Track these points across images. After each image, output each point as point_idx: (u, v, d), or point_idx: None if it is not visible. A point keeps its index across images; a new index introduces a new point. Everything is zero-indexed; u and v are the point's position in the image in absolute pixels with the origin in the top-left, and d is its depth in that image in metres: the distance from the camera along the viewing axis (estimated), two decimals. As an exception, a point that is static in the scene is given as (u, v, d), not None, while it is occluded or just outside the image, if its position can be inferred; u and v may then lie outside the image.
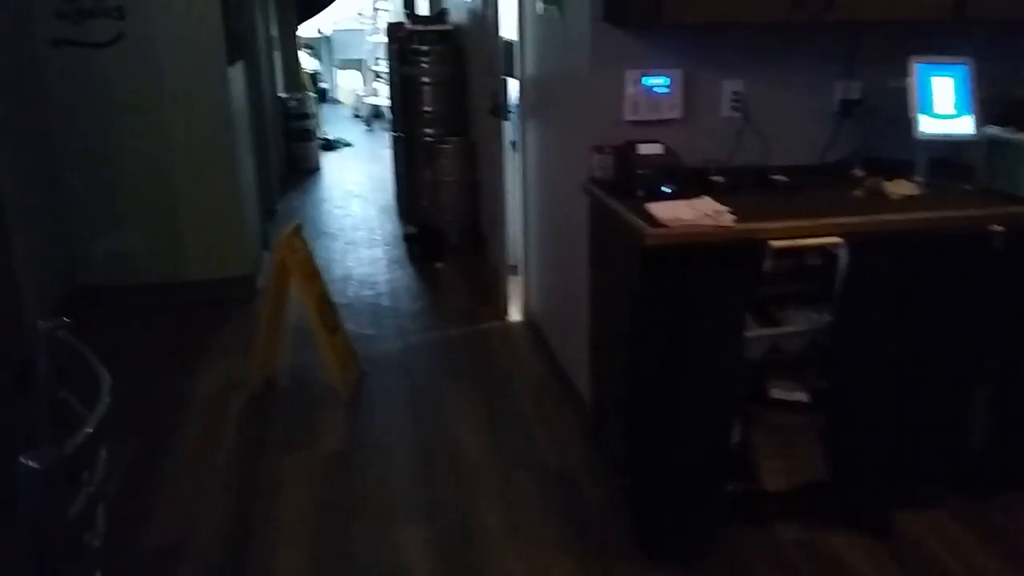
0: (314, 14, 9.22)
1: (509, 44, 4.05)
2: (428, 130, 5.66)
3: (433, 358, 3.97)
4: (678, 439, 2.55)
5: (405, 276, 5.10)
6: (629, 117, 2.88)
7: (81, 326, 4.05)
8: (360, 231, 6.01)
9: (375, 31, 11.06)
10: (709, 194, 2.60)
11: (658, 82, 2.86)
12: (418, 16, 6.08)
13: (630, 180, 2.68)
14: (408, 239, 5.68)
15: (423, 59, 5.56)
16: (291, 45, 8.61)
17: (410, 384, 3.70)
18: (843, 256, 2.46)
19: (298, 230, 3.52)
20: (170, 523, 2.77)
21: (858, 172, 2.89)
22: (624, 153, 2.76)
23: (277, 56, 7.87)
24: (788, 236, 2.40)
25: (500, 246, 4.37)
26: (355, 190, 7.25)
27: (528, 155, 4.04)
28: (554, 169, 3.55)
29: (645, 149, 2.71)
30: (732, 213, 2.39)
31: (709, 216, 2.37)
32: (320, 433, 3.29)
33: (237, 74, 4.81)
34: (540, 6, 3.46)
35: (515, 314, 4.37)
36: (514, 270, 4.43)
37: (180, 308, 4.50)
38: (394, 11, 10.53)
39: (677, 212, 2.40)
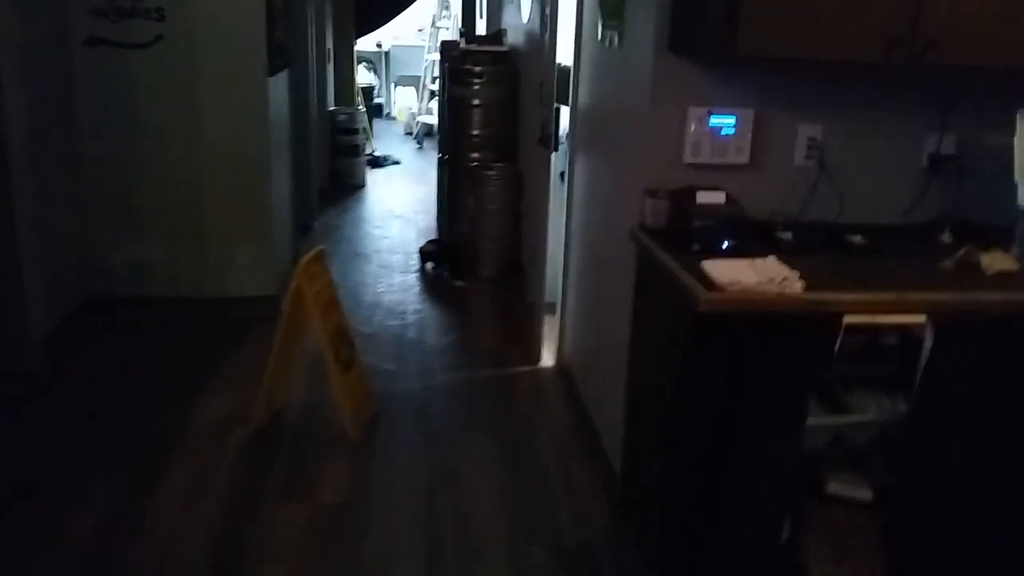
0: (374, 28, 9.08)
1: (565, 70, 3.77)
2: (474, 154, 5.40)
3: (455, 403, 3.66)
4: (720, 532, 2.21)
5: (437, 307, 4.82)
6: (689, 160, 2.56)
7: (91, 338, 3.84)
8: (396, 254, 5.75)
9: (433, 49, 10.89)
10: (775, 253, 2.27)
11: (725, 122, 2.53)
12: (473, 35, 5.84)
13: (686, 231, 2.35)
14: (424, 255, 5.45)
15: (475, 80, 5.31)
16: (347, 58, 8.46)
17: (426, 431, 3.39)
18: (928, 337, 2.10)
19: (320, 256, 3.25)
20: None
21: (946, 238, 2.53)
22: (681, 200, 2.44)
23: (330, 68, 7.71)
24: (865, 311, 2.06)
25: (538, 283, 4.07)
26: (397, 210, 7.01)
27: (575, 189, 3.73)
28: (601, 208, 3.23)
29: (705, 197, 2.38)
30: (801, 279, 2.05)
31: (775, 281, 2.03)
32: (322, 481, 3.00)
33: (279, 84, 4.60)
34: (599, 31, 3.17)
35: (548, 358, 4.05)
36: (551, 309, 4.12)
37: (197, 326, 4.27)
38: (453, 29, 10.37)
39: (738, 274, 2.07)
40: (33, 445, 3.16)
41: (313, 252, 3.23)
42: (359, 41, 9.47)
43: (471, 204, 5.30)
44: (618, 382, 2.81)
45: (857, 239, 2.41)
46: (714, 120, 2.53)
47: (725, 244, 2.32)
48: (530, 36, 4.96)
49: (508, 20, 5.97)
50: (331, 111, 7.60)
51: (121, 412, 3.43)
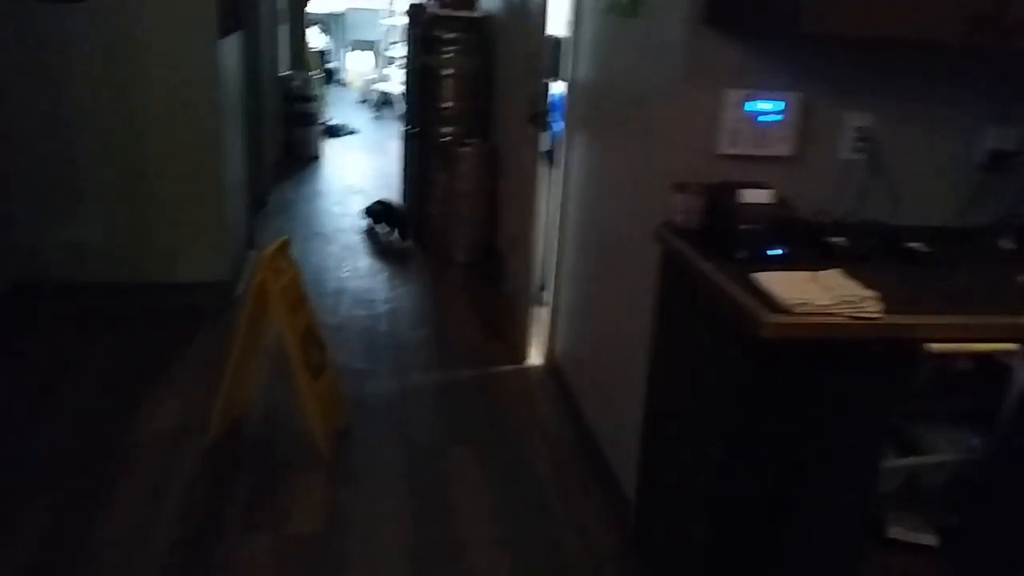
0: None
1: (557, 41, 3.39)
2: (445, 129, 4.99)
3: (436, 409, 3.30)
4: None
5: (408, 293, 4.44)
6: (725, 150, 2.22)
7: (17, 332, 3.35)
8: (359, 235, 5.32)
9: (391, 12, 10.35)
10: (828, 259, 1.97)
11: (768, 108, 2.20)
12: (444, 0, 5.39)
13: (727, 234, 2.02)
14: (371, 215, 5.38)
15: (446, 48, 4.88)
16: (300, 20, 7.90)
17: (406, 443, 3.03)
18: (1018, 368, 1.82)
19: (285, 246, 2.85)
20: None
21: (1007, 243, 2.26)
22: (720, 197, 2.11)
23: (283, 31, 7.16)
24: (951, 338, 1.75)
25: (524, 273, 3.71)
26: (357, 184, 6.56)
27: (571, 173, 3.38)
28: (611, 200, 2.88)
29: (751, 196, 2.05)
30: (878, 299, 1.74)
31: (852, 303, 1.71)
32: (291, 506, 2.63)
33: (231, 47, 4.12)
34: (607, -3, 2.80)
35: (535, 355, 3.71)
36: (539, 300, 3.78)
37: (141, 316, 3.82)
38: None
39: (802, 291, 1.75)
40: (-52, 464, 2.72)
41: (278, 242, 2.82)
42: (312, 1, 8.89)
43: (442, 183, 4.91)
44: (629, 396, 2.50)
45: (918, 247, 2.11)
46: (755, 105, 2.19)
47: (774, 251, 2.00)
48: (509, 2, 4.55)
49: (481, -17, 5.54)
50: (284, 76, 7.07)
51: (54, 422, 2.99)
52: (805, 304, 1.70)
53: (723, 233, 2.05)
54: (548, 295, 3.73)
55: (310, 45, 8.56)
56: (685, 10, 2.16)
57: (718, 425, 1.89)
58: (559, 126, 3.56)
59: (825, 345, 1.72)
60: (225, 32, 3.90)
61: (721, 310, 1.87)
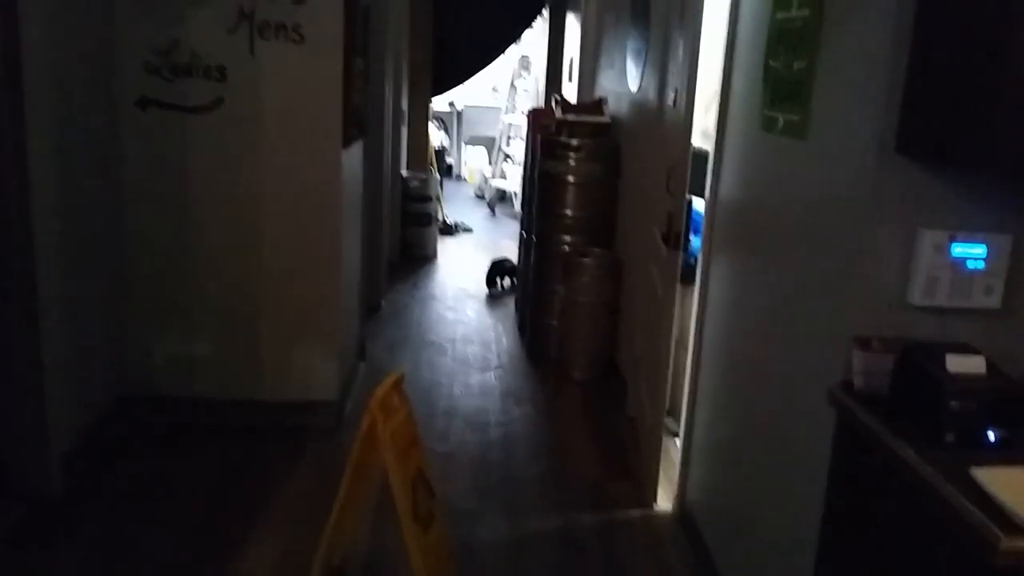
0: (450, 88, 8.58)
1: (703, 156, 3.10)
2: (566, 237, 4.76)
3: (552, 563, 2.94)
4: None
5: (523, 416, 4.13)
6: (919, 301, 1.85)
7: (120, 450, 3.18)
8: (472, 345, 5.09)
9: (510, 109, 10.39)
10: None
11: (973, 252, 1.83)
12: (569, 103, 5.23)
13: (929, 410, 1.64)
14: (495, 270, 6.29)
15: (571, 154, 4.68)
16: (421, 120, 7.95)
17: (521, 607, 2.68)
18: None
19: (398, 384, 2.60)
20: None
21: None
22: (916, 361, 1.73)
23: (404, 131, 7.19)
24: None
25: (654, 411, 3.35)
26: (471, 288, 6.38)
27: (710, 296, 3.04)
28: (767, 339, 2.51)
29: (958, 364, 1.67)
30: None
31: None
32: None
33: (354, 156, 4.03)
34: (762, 114, 2.50)
35: (663, 499, 3.32)
36: (668, 429, 3.41)
37: (245, 434, 3.64)
38: (533, 90, 9.87)
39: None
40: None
41: (391, 379, 2.58)
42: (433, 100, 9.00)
43: (561, 294, 4.64)
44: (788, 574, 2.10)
45: None
46: (958, 249, 1.83)
47: (993, 435, 1.61)
48: (640, 107, 4.32)
49: (606, 86, 5.37)
50: (404, 176, 7.06)
51: (145, 562, 2.78)
52: (1055, 523, 1.30)
53: (921, 406, 1.67)
54: (677, 425, 3.36)
55: (430, 144, 8.61)
56: (870, 136, 1.84)
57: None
58: (697, 243, 3.25)
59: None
60: (349, 141, 3.80)
61: (931, 513, 1.48)
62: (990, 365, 1.69)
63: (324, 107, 3.56)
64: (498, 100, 11.13)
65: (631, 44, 4.50)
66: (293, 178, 3.60)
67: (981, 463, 1.49)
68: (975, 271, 1.84)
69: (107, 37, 3.37)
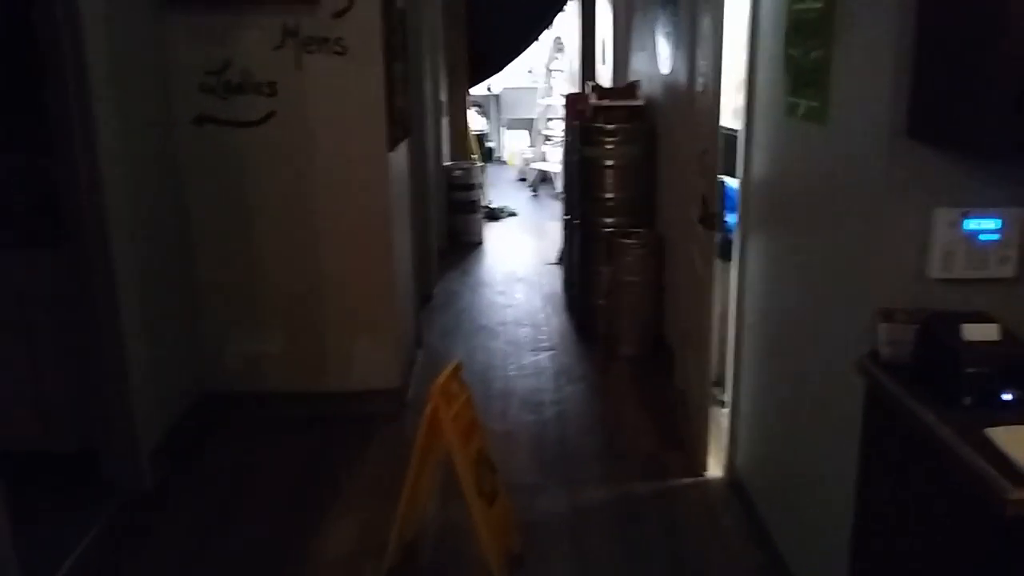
0: (487, 77, 8.73)
1: (732, 138, 3.23)
2: (608, 219, 4.91)
3: (611, 531, 3.13)
4: None
5: (575, 393, 4.32)
6: (938, 274, 1.99)
7: (203, 444, 3.48)
8: (524, 327, 5.29)
9: (547, 92, 10.51)
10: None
11: (986, 226, 1.96)
12: (604, 88, 5.36)
13: (947, 375, 1.78)
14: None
15: (608, 139, 4.83)
16: (460, 109, 8.13)
17: (583, 572, 2.88)
18: None
19: (457, 371, 2.81)
20: None
21: None
22: (935, 330, 1.87)
23: (444, 122, 7.38)
24: None
25: (700, 379, 3.51)
26: (519, 271, 6.58)
27: (747, 270, 3.18)
28: (800, 313, 2.66)
29: (974, 332, 1.80)
30: None
31: (1122, 479, 1.44)
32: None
33: (400, 157, 4.23)
34: (784, 100, 2.63)
35: (714, 466, 3.49)
36: (715, 399, 3.58)
37: (316, 424, 3.90)
38: (568, 72, 9.97)
39: (1054, 458, 1.49)
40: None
41: (451, 367, 2.79)
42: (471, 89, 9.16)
43: (608, 275, 4.80)
44: (831, 533, 2.27)
45: None
46: (970, 224, 1.96)
47: (1007, 397, 1.74)
48: (672, 89, 4.44)
49: (639, 68, 5.48)
50: (447, 166, 7.26)
51: (236, 540, 3.05)
52: (1060, 476, 1.45)
53: (939, 372, 1.81)
54: (725, 395, 3.52)
55: (470, 130, 8.79)
56: (883, 121, 1.97)
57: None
58: (732, 220, 3.39)
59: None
60: (394, 143, 4.00)
61: (950, 471, 1.63)
62: (1004, 331, 1.83)
63: (369, 113, 3.76)
64: (535, 81, 11.24)
65: (661, 26, 4.60)
66: (344, 183, 3.82)
67: (996, 423, 1.64)
68: (989, 243, 1.97)
69: (162, 63, 3.62)
